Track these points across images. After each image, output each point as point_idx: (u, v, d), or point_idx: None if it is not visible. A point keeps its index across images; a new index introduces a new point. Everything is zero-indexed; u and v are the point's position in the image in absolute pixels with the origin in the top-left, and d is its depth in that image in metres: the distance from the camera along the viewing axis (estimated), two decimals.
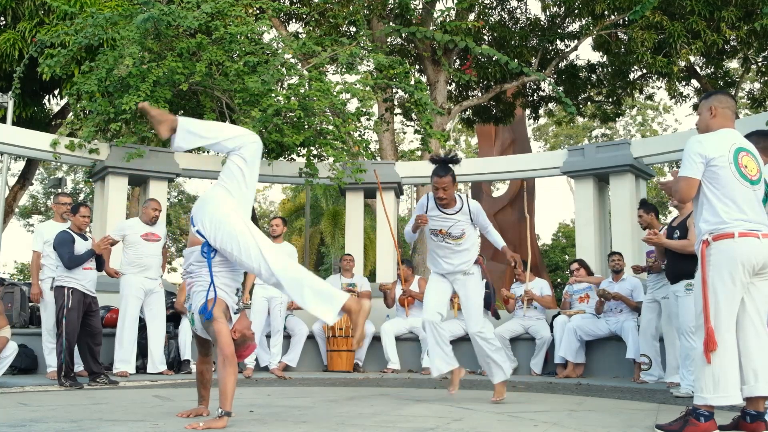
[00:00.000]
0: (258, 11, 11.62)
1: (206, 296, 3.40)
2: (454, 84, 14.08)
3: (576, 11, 12.52)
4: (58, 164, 21.73)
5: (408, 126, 18.47)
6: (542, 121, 22.68)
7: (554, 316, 7.80)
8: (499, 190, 23.95)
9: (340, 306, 3.21)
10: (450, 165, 4.59)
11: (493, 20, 13.47)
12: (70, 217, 6.33)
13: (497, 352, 4.82)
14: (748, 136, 3.71)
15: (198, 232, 3.48)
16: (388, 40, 12.62)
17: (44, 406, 4.35)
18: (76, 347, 6.12)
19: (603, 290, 7.19)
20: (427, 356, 7.70)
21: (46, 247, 6.59)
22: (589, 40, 13.19)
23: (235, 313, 3.57)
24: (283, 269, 3.31)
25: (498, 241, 4.98)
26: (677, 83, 14.01)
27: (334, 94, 8.73)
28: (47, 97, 12.00)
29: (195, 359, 4.52)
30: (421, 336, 7.91)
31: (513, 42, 13.03)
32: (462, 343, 7.98)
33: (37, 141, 8.72)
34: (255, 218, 12.94)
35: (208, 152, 12.73)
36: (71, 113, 13.24)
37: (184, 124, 3.56)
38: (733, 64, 16.11)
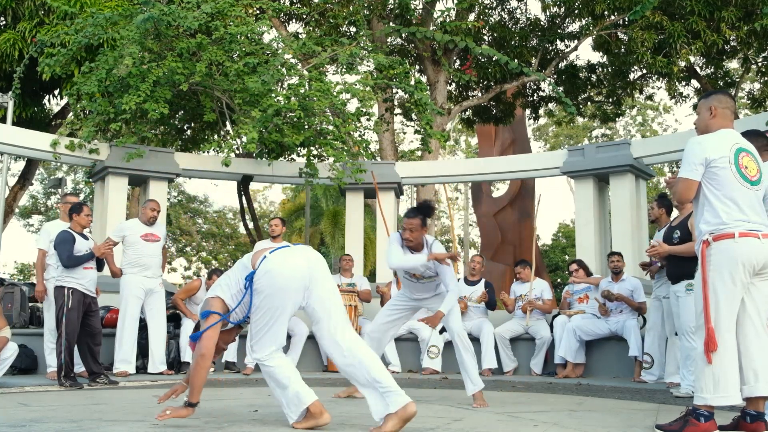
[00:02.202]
0: (258, 11, 11.63)
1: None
2: (454, 84, 14.08)
3: (576, 11, 12.52)
4: (58, 164, 21.73)
5: (408, 126, 18.50)
6: (542, 121, 22.69)
7: (554, 316, 7.80)
8: (499, 190, 23.94)
9: (303, 409, 3.24)
10: (422, 210, 4.66)
11: (493, 20, 13.47)
12: (74, 216, 6.33)
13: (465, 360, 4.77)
14: (746, 135, 3.71)
15: (261, 261, 3.37)
16: (388, 40, 12.62)
17: (44, 406, 4.35)
18: (76, 347, 6.12)
19: (606, 291, 7.17)
20: (428, 356, 7.74)
21: (52, 246, 6.60)
22: (589, 41, 13.19)
23: (231, 323, 3.55)
24: (278, 364, 3.33)
25: (443, 287, 4.77)
26: (677, 83, 14.01)
27: (334, 94, 8.73)
28: (47, 97, 11.99)
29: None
30: (421, 336, 7.92)
31: (513, 42, 13.03)
32: None
33: (37, 141, 8.72)
34: (255, 218, 12.93)
35: (207, 152, 12.75)
36: (71, 113, 13.25)
37: None
38: (733, 65, 16.11)
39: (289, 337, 7.90)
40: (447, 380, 6.99)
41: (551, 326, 7.68)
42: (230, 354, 7.68)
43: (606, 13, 11.90)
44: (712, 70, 13.70)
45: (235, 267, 3.53)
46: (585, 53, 72.72)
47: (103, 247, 6.30)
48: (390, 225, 8.88)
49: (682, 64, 13.00)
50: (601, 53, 13.48)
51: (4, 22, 10.64)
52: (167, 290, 7.68)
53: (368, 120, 9.77)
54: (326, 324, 3.34)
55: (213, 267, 21.63)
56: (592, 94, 15.08)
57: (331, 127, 8.97)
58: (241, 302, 3.39)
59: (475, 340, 7.82)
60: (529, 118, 16.58)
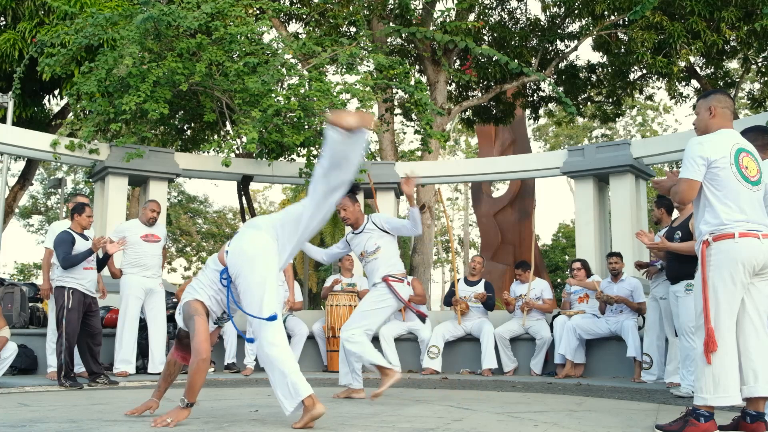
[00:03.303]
0: (258, 11, 11.62)
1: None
2: (454, 84, 14.08)
3: (576, 11, 12.52)
4: (58, 164, 21.72)
5: (408, 126, 18.49)
6: (542, 121, 22.69)
7: (554, 316, 7.80)
8: (499, 190, 23.94)
9: (299, 400, 3.24)
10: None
11: (493, 20, 13.47)
12: (75, 216, 6.33)
13: (358, 362, 4.99)
14: (744, 132, 3.71)
15: (226, 252, 3.50)
16: (388, 40, 12.62)
17: (44, 406, 4.35)
18: (76, 347, 6.12)
19: (605, 295, 7.17)
20: (428, 357, 7.74)
21: None
22: (589, 41, 13.19)
23: (215, 324, 3.62)
24: (268, 343, 3.34)
25: (408, 220, 5.12)
26: (677, 83, 14.01)
27: (334, 94, 8.73)
28: (47, 97, 12.00)
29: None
30: (420, 337, 7.92)
31: (513, 42, 13.03)
32: (461, 343, 8.00)
33: (37, 141, 8.73)
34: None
35: (207, 152, 12.74)
36: (71, 113, 13.24)
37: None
38: (733, 65, 16.11)
39: (289, 337, 7.90)
40: (447, 380, 6.99)
41: (551, 326, 7.68)
42: (230, 355, 7.69)
43: (606, 13, 11.90)
44: (712, 70, 13.70)
45: (205, 270, 3.57)
46: (585, 53, 72.85)
47: (99, 243, 6.26)
48: None
49: (682, 64, 13.00)
50: (601, 53, 13.48)
51: (4, 22, 10.64)
52: (167, 290, 7.68)
53: None
54: None
55: None
56: (592, 94, 15.08)
57: None
58: (229, 297, 3.43)
59: (475, 340, 7.84)
60: (529, 118, 16.59)
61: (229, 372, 7.57)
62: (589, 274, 7.77)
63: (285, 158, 10.90)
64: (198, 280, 3.56)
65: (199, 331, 3.36)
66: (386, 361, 4.95)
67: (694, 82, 14.25)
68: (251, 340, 3.64)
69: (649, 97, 16.68)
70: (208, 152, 12.87)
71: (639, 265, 6.30)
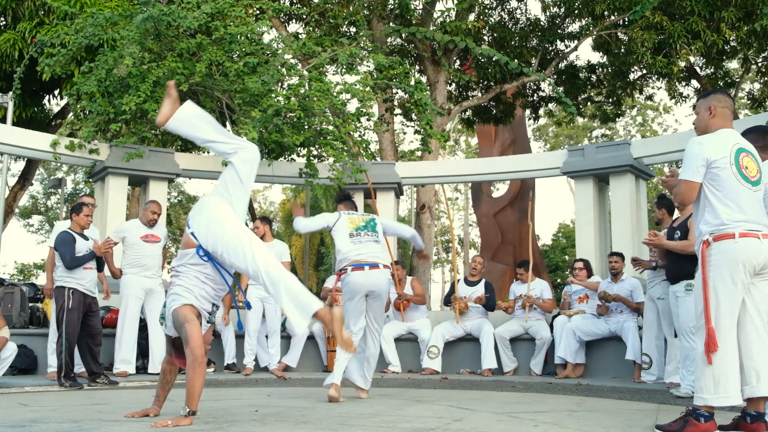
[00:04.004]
0: (258, 12, 11.62)
1: (176, 302, 3.52)
2: (454, 84, 14.08)
3: (576, 12, 12.52)
4: (58, 164, 21.71)
5: (408, 126, 18.50)
6: (542, 121, 22.68)
7: (554, 317, 7.80)
8: (499, 190, 23.94)
9: (311, 314, 3.26)
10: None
11: (493, 21, 13.47)
12: (73, 216, 6.33)
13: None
14: (745, 133, 3.71)
15: (192, 234, 3.55)
16: (388, 40, 12.62)
17: (44, 406, 4.35)
18: (76, 348, 6.12)
19: (603, 292, 7.18)
20: (428, 357, 7.74)
21: None
22: (589, 41, 13.19)
23: (208, 322, 3.64)
24: (265, 271, 3.36)
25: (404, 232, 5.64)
26: (677, 83, 14.01)
27: (334, 94, 8.73)
28: (47, 97, 11.99)
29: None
30: (420, 337, 7.92)
31: (513, 42, 13.02)
32: (461, 343, 8.00)
33: (37, 141, 8.72)
34: (255, 218, 12.92)
35: (207, 152, 12.73)
36: (71, 113, 13.24)
37: (185, 109, 3.64)
38: (733, 65, 16.11)
39: (289, 337, 7.91)
40: (447, 380, 6.99)
41: (551, 326, 7.68)
42: (230, 356, 7.68)
43: (606, 13, 11.90)
44: (712, 70, 13.70)
45: (179, 274, 3.60)
46: (585, 53, 72.84)
47: (104, 247, 6.30)
48: None
49: (682, 64, 12.99)
50: (601, 53, 13.48)
51: (4, 23, 10.64)
52: (167, 290, 7.67)
53: (368, 120, 9.77)
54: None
55: None
56: (592, 94, 15.07)
57: (331, 128, 8.97)
58: (219, 269, 3.51)
59: (475, 340, 7.84)
60: (529, 118, 16.59)
61: (229, 372, 7.57)
62: (590, 274, 7.77)
63: (285, 158, 10.91)
64: (178, 286, 3.57)
65: (192, 337, 3.37)
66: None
67: (694, 82, 14.25)
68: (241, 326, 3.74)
69: (649, 97, 16.68)
70: (208, 152, 12.87)
71: (635, 260, 6.31)
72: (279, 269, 3.37)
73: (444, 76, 12.47)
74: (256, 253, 3.38)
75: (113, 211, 8.83)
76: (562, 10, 12.86)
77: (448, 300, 8.14)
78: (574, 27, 13.30)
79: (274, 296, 3.36)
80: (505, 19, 13.73)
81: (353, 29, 12.61)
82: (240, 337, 7.66)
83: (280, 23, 12.63)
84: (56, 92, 11.46)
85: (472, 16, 13.22)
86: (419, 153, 12.38)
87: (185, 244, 3.60)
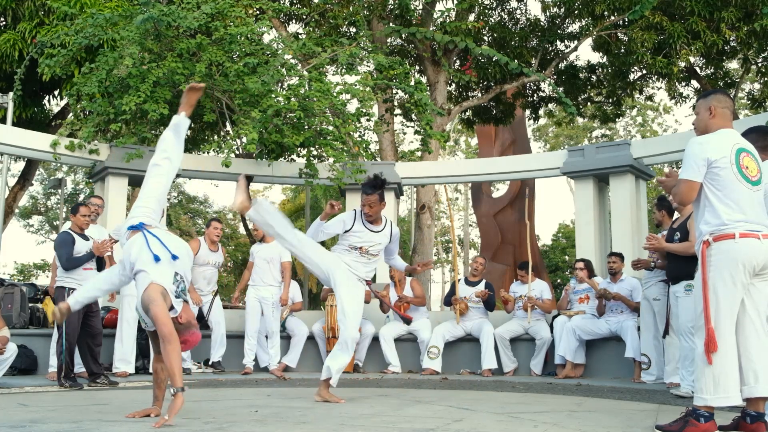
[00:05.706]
0: (258, 12, 11.62)
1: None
2: (454, 84, 14.07)
3: (576, 12, 12.52)
4: (58, 165, 21.72)
5: (408, 127, 18.47)
6: (542, 121, 22.66)
7: (554, 317, 7.80)
8: (499, 190, 23.93)
9: None
10: (377, 186, 4.96)
11: (493, 21, 13.46)
12: (71, 217, 6.33)
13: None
14: (746, 133, 3.71)
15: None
16: (388, 40, 12.62)
17: (44, 406, 4.35)
18: (76, 348, 6.12)
19: (604, 290, 7.19)
20: (428, 357, 7.73)
21: None
22: (589, 41, 13.18)
23: (177, 298, 3.66)
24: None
25: (399, 265, 5.51)
26: (677, 84, 14.00)
27: (334, 94, 8.73)
28: (47, 97, 11.99)
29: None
30: (420, 337, 7.91)
31: (513, 42, 13.02)
32: (461, 343, 8.00)
33: (37, 141, 8.73)
34: None
35: (207, 153, 12.75)
36: (71, 114, 13.23)
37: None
38: (733, 65, 16.11)
39: (289, 337, 7.91)
40: (447, 380, 6.99)
41: (551, 326, 7.68)
42: (217, 354, 7.60)
43: (606, 13, 11.90)
44: (712, 70, 13.69)
45: (142, 265, 3.69)
46: (585, 53, 72.78)
47: (103, 246, 6.29)
48: None
49: (682, 64, 12.99)
50: (601, 54, 13.47)
51: (4, 23, 10.64)
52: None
53: (368, 120, 9.77)
54: None
55: None
56: (592, 94, 15.07)
57: (331, 128, 8.97)
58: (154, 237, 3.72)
59: (475, 340, 7.84)
60: (529, 119, 16.59)
61: (213, 370, 7.50)
62: (592, 274, 7.77)
63: (285, 158, 10.91)
64: (144, 272, 3.65)
65: (158, 316, 3.44)
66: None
67: (694, 83, 14.24)
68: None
69: (649, 98, 16.67)
70: (208, 153, 12.88)
71: (636, 263, 6.33)
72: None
73: (444, 76, 12.47)
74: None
75: (113, 212, 8.83)
76: (562, 10, 12.86)
77: (448, 300, 8.13)
78: (574, 27, 13.31)
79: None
80: (505, 19, 13.72)
81: (353, 29, 12.61)
82: (240, 337, 7.66)
83: (280, 23, 12.63)
84: (56, 92, 11.46)
85: (472, 17, 13.22)
86: (419, 153, 12.38)
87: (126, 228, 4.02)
